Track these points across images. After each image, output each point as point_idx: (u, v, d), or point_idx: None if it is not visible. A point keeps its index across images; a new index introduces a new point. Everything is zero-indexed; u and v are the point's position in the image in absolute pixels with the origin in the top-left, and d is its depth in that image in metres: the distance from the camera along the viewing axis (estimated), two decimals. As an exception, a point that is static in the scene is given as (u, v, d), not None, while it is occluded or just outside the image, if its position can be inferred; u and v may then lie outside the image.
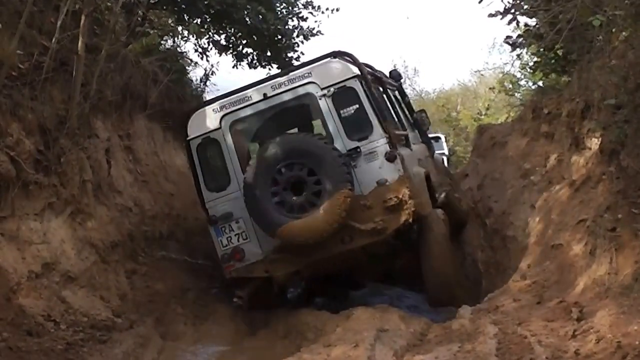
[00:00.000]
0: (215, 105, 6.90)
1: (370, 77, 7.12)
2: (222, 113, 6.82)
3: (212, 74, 11.50)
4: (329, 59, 6.82)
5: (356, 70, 6.73)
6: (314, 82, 6.68)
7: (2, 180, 5.80)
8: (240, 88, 7.00)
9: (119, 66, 7.67)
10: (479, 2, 6.94)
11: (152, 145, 9.00)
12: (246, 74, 15.99)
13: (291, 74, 6.83)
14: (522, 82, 14.01)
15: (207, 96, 11.71)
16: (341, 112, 6.67)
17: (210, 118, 6.84)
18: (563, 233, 6.73)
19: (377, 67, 8.23)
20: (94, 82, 7.02)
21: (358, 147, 6.57)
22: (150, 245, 7.84)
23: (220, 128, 6.81)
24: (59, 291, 6.08)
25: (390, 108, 7.84)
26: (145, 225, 7.92)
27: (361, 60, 7.00)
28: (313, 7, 12.04)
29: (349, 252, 6.68)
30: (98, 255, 6.82)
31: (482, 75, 19.07)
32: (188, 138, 6.92)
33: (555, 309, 5.63)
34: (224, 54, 12.01)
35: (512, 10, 7.51)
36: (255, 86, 6.88)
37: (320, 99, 6.67)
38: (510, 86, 14.47)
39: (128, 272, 7.20)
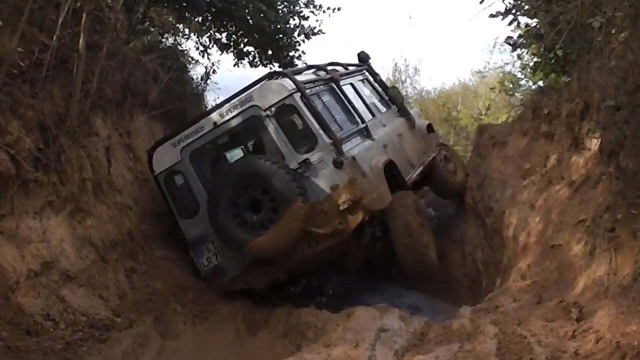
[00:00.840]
0: (174, 139, 7.37)
1: (316, 83, 7.62)
2: (180, 146, 7.32)
3: (213, 72, 11.51)
4: (265, 80, 7.26)
5: (292, 87, 7.07)
6: (256, 105, 7.08)
7: (1, 179, 5.79)
8: (193, 120, 7.57)
9: (120, 64, 7.65)
10: (480, 3, 6.95)
11: (152, 143, 8.93)
12: (248, 72, 15.98)
13: (233, 100, 7.21)
14: (523, 82, 13.97)
15: (208, 95, 11.82)
16: (285, 128, 7.09)
17: (171, 152, 7.35)
18: (562, 233, 6.74)
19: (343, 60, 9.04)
20: (94, 80, 7.01)
21: (307, 159, 6.97)
22: (150, 244, 7.82)
23: (181, 160, 7.33)
24: (58, 290, 6.06)
25: (347, 102, 8.16)
26: (145, 224, 7.91)
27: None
28: (314, 6, 12.06)
29: (319, 253, 7.12)
30: (97, 254, 6.81)
31: (483, 75, 19.01)
32: (154, 174, 7.46)
33: (555, 309, 5.65)
34: (225, 52, 12.02)
35: (513, 11, 7.55)
36: (205, 116, 7.37)
37: (264, 120, 7.07)
38: (511, 86, 14.44)
39: (127, 271, 7.18)
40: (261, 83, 7.23)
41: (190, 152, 7.30)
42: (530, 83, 12.71)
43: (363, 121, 8.14)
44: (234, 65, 12.29)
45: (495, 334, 5.34)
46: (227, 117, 7.18)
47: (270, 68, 12.37)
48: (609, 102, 6.01)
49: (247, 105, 7.11)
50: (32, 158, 6.17)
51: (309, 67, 8.62)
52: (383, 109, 9.38)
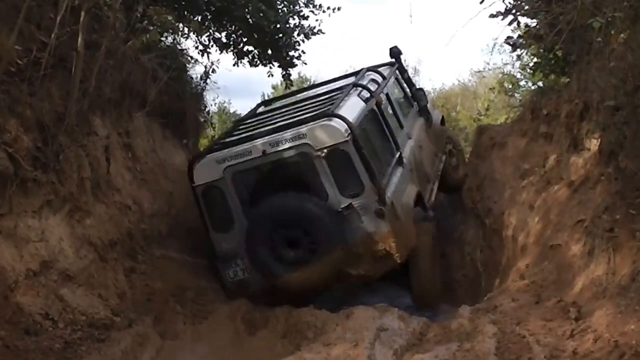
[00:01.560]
0: (219, 156, 7.50)
1: (366, 116, 7.76)
2: (225, 165, 7.43)
3: (212, 72, 11.42)
4: (324, 120, 7.26)
5: (348, 134, 7.14)
6: (308, 144, 7.17)
7: (0, 177, 5.78)
8: (241, 139, 7.65)
9: (119, 63, 7.62)
10: (480, 2, 6.96)
11: (151, 143, 8.96)
12: (247, 72, 15.99)
13: (289, 132, 7.30)
14: (522, 83, 14.03)
15: (207, 94, 11.78)
16: (334, 171, 7.17)
17: (214, 168, 7.47)
18: (561, 233, 6.77)
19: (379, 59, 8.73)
20: (92, 78, 6.99)
21: (351, 203, 7.14)
22: (149, 244, 7.82)
23: (223, 178, 7.44)
24: (57, 289, 6.06)
25: (387, 128, 8.26)
26: (144, 224, 7.90)
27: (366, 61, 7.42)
28: (314, 6, 12.01)
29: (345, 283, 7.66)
30: (96, 254, 6.80)
31: (482, 75, 19.05)
32: (194, 185, 7.55)
33: (554, 309, 5.68)
34: (224, 51, 11.99)
35: (513, 11, 7.57)
36: (255, 139, 7.45)
37: (315, 159, 7.17)
38: (510, 87, 14.49)
39: (127, 270, 7.17)
40: (318, 122, 7.29)
41: (234, 172, 7.43)
42: (530, 84, 12.76)
43: (398, 147, 8.27)
44: (234, 65, 12.22)
45: (494, 333, 5.37)
46: (277, 148, 7.29)
47: (270, 67, 12.36)
48: (609, 102, 6.03)
49: (300, 141, 7.21)
50: (30, 157, 6.15)
51: (352, 82, 8.64)
52: (407, 110, 9.45)
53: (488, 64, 20.13)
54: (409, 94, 9.86)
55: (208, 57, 11.72)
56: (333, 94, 8.50)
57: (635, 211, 5.48)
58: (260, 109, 9.78)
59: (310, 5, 12.01)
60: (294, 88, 13.16)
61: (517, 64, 13.11)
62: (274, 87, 33.30)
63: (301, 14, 11.96)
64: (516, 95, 14.38)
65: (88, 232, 6.80)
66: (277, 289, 7.29)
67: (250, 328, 6.89)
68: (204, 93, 11.39)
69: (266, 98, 11.64)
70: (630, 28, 5.88)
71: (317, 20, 12.14)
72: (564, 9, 6.24)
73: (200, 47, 11.64)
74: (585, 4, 5.88)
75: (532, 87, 11.95)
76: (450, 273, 9.35)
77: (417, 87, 10.49)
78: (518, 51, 9.75)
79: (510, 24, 7.84)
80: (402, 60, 10.28)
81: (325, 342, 5.79)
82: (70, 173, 6.65)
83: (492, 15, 7.68)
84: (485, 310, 6.41)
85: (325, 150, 7.12)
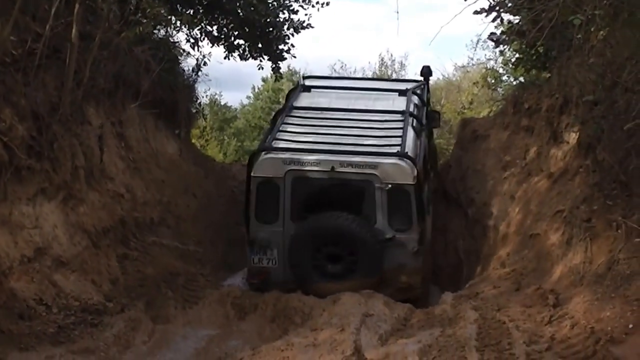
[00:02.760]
0: (286, 157, 7.78)
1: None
2: (289, 167, 7.73)
3: (204, 64, 11.58)
4: (395, 158, 7.70)
5: (414, 178, 7.64)
6: (377, 175, 7.60)
7: (-5, 166, 5.83)
8: (309, 144, 7.95)
9: (112, 54, 7.68)
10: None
11: (143, 132, 9.03)
12: (238, 65, 15.98)
13: (361, 159, 7.68)
14: (505, 78, 14.19)
15: (199, 86, 11.92)
16: (390, 205, 7.63)
17: (278, 166, 7.75)
18: (541, 223, 6.94)
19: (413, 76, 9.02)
20: (86, 69, 7.06)
21: (395, 236, 7.61)
22: (142, 231, 7.90)
23: (283, 177, 7.72)
24: (51, 275, 6.11)
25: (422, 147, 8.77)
26: (136, 211, 7.98)
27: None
28: (303, 0, 12.11)
29: None
30: (90, 240, 6.87)
31: (466, 70, 19.21)
32: (252, 174, 7.82)
33: (533, 296, 5.86)
34: (215, 44, 12.08)
35: (496, 8, 7.70)
36: (325, 154, 7.79)
37: (377, 190, 7.62)
38: (493, 81, 14.65)
39: (119, 257, 7.25)
40: (390, 159, 7.70)
41: (296, 176, 7.74)
42: (512, 78, 12.93)
43: (430, 184, 8.87)
44: (225, 58, 12.38)
45: (476, 319, 5.52)
46: (346, 170, 7.67)
47: (260, 61, 12.50)
48: (588, 97, 6.19)
49: (370, 171, 7.62)
50: (25, 146, 6.20)
51: (406, 110, 8.95)
52: (417, 127, 9.56)
53: (472, 59, 20.23)
54: (423, 114, 10.09)
55: (200, 50, 11.88)
56: (391, 115, 8.86)
57: (612, 202, 5.67)
58: (312, 95, 9.79)
59: (300, 0, 12.10)
60: (283, 81, 13.31)
61: (500, 59, 13.28)
62: (264, 80, 33.25)
63: (291, 8, 12.08)
64: (499, 89, 14.56)
65: (81, 219, 6.86)
66: (297, 285, 7.61)
67: (239, 313, 6.97)
68: (196, 85, 11.57)
69: (310, 74, 11.51)
70: (609, 26, 6.04)
71: (306, 14, 12.28)
72: (546, 6, 6.35)
73: (192, 40, 11.78)
74: (567, 1, 5.99)
75: (514, 82, 12.13)
76: (434, 260, 9.48)
77: (434, 109, 10.90)
78: (501, 47, 9.92)
79: (493, 20, 8.01)
80: (429, 81, 10.70)
81: (313, 327, 5.90)
82: (64, 161, 6.71)
83: (476, 12, 7.83)
84: (467, 297, 6.57)
85: (389, 186, 7.59)
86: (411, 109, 8.98)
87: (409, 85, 10.07)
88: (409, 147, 7.93)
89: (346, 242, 7.47)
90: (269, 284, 7.65)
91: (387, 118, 8.75)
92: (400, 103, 9.27)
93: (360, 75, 27.12)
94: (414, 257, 7.62)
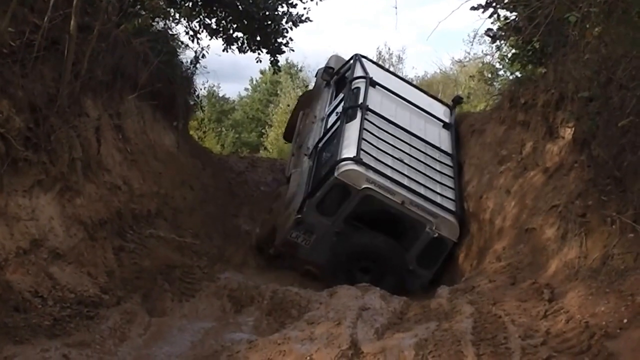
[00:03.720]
0: (369, 175, 8.51)
1: None
2: (368, 184, 8.46)
3: (202, 57, 11.56)
4: (452, 215, 8.69)
5: (457, 237, 8.70)
6: (432, 223, 8.54)
7: (-9, 157, 5.81)
8: (387, 174, 8.62)
9: (110, 46, 7.64)
10: (463, -5, 7.06)
11: (141, 124, 9.03)
12: (237, 58, 15.98)
13: (429, 206, 8.60)
14: (501, 73, 14.22)
15: (197, 78, 11.99)
16: (427, 248, 8.65)
17: (358, 177, 8.46)
18: (536, 217, 6.97)
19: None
20: (85, 61, 7.03)
21: (417, 269, 8.70)
22: (138, 223, 7.91)
23: (359, 190, 8.45)
24: (47, 267, 6.10)
25: None
26: (133, 203, 7.98)
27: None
28: (302, -6, 12.13)
29: None
30: (86, 233, 6.86)
31: (463, 64, 19.24)
32: (336, 176, 8.46)
33: (528, 290, 5.90)
34: (214, 37, 12.08)
35: (493, 4, 7.71)
36: (399, 186, 8.58)
37: (424, 233, 8.58)
38: (490, 76, 14.68)
39: (116, 249, 7.24)
40: (447, 215, 8.66)
41: (368, 194, 8.45)
42: (508, 73, 12.94)
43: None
44: (223, 51, 12.41)
45: (472, 313, 5.57)
46: (411, 208, 8.53)
47: (259, 54, 12.49)
48: (583, 93, 6.23)
49: (429, 218, 8.55)
50: (22, 137, 6.19)
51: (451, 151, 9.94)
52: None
53: (469, 53, 20.30)
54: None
55: (198, 42, 11.92)
56: (445, 157, 9.74)
57: (607, 197, 5.71)
58: (378, 94, 10.07)
59: (299, -7, 12.10)
60: (281, 73, 13.38)
61: (497, 54, 13.26)
62: (262, 72, 33.26)
63: (289, 1, 12.06)
64: (495, 84, 14.59)
65: (78, 211, 6.85)
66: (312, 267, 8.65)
67: (236, 306, 7.00)
68: (194, 77, 11.54)
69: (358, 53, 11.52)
70: (605, 23, 6.05)
71: (305, 8, 12.27)
72: (542, 3, 6.39)
73: (191, 33, 11.81)
74: (563, -2, 6.04)
75: (511, 77, 12.14)
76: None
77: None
78: (497, 42, 9.92)
79: (490, 16, 8.01)
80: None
81: (309, 320, 5.92)
82: (61, 153, 6.68)
83: (473, 8, 7.83)
84: (463, 291, 6.61)
85: (437, 234, 8.56)
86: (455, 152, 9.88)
87: (442, 110, 10.81)
88: (459, 203, 8.87)
89: (386, 261, 8.45)
90: (292, 257, 8.61)
91: (442, 159, 9.61)
92: (445, 138, 10.12)
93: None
94: (425, 285, 8.61)
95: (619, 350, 4.42)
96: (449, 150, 9.90)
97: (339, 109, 9.78)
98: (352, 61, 11.02)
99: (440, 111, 10.82)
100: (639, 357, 4.33)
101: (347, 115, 9.28)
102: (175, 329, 6.36)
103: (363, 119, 9.11)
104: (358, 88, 9.90)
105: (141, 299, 6.76)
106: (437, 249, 8.67)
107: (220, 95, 32.05)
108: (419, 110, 10.38)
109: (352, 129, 8.99)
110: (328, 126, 9.73)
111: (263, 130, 30.92)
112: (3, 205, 5.94)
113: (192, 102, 11.92)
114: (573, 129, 6.87)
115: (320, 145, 9.48)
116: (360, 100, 9.45)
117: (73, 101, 6.98)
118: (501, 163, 8.70)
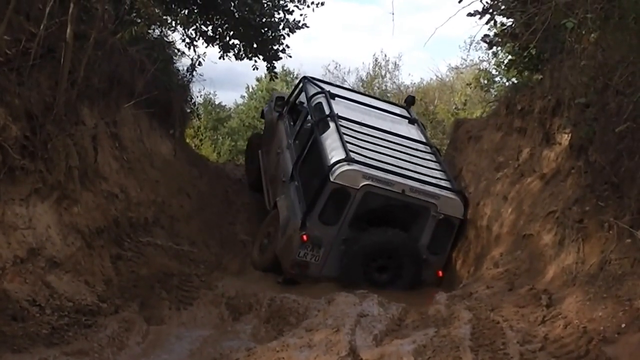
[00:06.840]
0: (366, 172, 8.37)
1: None
2: (366, 182, 8.32)
3: (198, 64, 11.60)
4: (452, 194, 8.68)
5: (462, 214, 8.68)
6: (436, 205, 8.51)
7: (-12, 166, 5.81)
8: (383, 168, 8.50)
9: (107, 54, 7.66)
10: (459, 1, 7.12)
11: (138, 132, 9.03)
12: (233, 65, 16.06)
13: (429, 188, 8.54)
14: (497, 79, 14.28)
15: (194, 86, 11.94)
16: (435, 232, 8.57)
17: (358, 178, 8.33)
18: (534, 223, 6.98)
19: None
20: (81, 69, 7.04)
21: (428, 257, 8.55)
22: (136, 231, 7.91)
23: (357, 189, 8.31)
24: (44, 276, 6.09)
25: None
26: (130, 212, 7.98)
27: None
28: (299, 1, 12.13)
29: None
30: (83, 241, 6.86)
31: (459, 71, 19.32)
32: (330, 180, 8.28)
33: (526, 296, 5.90)
34: (210, 44, 12.11)
35: (490, 11, 7.75)
36: (398, 176, 8.47)
37: (431, 217, 8.53)
38: (486, 82, 14.73)
39: (113, 257, 7.24)
40: (450, 194, 8.65)
41: (368, 191, 8.33)
42: (505, 80, 13.00)
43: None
44: (220, 58, 12.45)
45: (470, 319, 5.56)
46: (412, 195, 8.45)
47: (255, 61, 12.51)
48: (580, 99, 6.26)
49: (432, 200, 8.50)
50: (18, 145, 6.18)
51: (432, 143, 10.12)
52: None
53: (465, 60, 20.37)
54: None
55: (194, 49, 11.91)
56: (422, 146, 9.72)
57: (604, 203, 5.73)
58: (339, 104, 9.97)
59: (295, 0, 12.13)
60: (277, 81, 13.40)
61: (493, 60, 13.38)
62: (258, 80, 33.29)
63: (286, 8, 12.10)
64: (492, 90, 14.63)
65: (75, 219, 6.84)
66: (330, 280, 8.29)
67: (234, 314, 7.01)
68: (190, 85, 11.58)
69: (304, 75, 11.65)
70: (601, 29, 6.09)
71: (301, 14, 12.31)
72: (538, 9, 6.41)
73: (187, 40, 11.82)
74: (559, 5, 6.05)
75: (507, 83, 12.19)
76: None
77: None
78: (494, 49, 9.97)
79: (487, 22, 8.03)
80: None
81: (308, 327, 5.91)
82: (58, 161, 6.69)
83: (469, 14, 7.87)
84: (461, 297, 6.62)
85: (442, 216, 8.53)
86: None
87: (400, 110, 10.83)
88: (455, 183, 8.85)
89: (403, 257, 8.37)
90: (304, 277, 8.30)
91: (421, 148, 9.57)
92: (415, 131, 10.08)
93: (353, 77, 27.28)
94: (436, 279, 8.62)
95: (616, 355, 4.43)
96: (424, 140, 9.94)
97: (304, 129, 9.78)
98: (301, 84, 10.93)
99: (400, 111, 10.85)
100: (637, 363, 4.34)
101: (319, 128, 9.17)
102: (173, 337, 6.37)
103: (338, 125, 9.05)
104: (320, 102, 9.83)
105: (139, 307, 6.75)
106: (445, 231, 8.61)
107: (217, 102, 32.05)
108: (382, 112, 10.40)
109: (330, 137, 8.90)
110: (301, 147, 9.57)
111: (259, 138, 30.78)
112: (0, 214, 5.92)
113: (188, 110, 11.97)
114: (570, 135, 6.89)
115: (299, 164, 9.26)
116: (327, 111, 9.39)
117: (69, 109, 6.98)
118: (498, 169, 8.72)
